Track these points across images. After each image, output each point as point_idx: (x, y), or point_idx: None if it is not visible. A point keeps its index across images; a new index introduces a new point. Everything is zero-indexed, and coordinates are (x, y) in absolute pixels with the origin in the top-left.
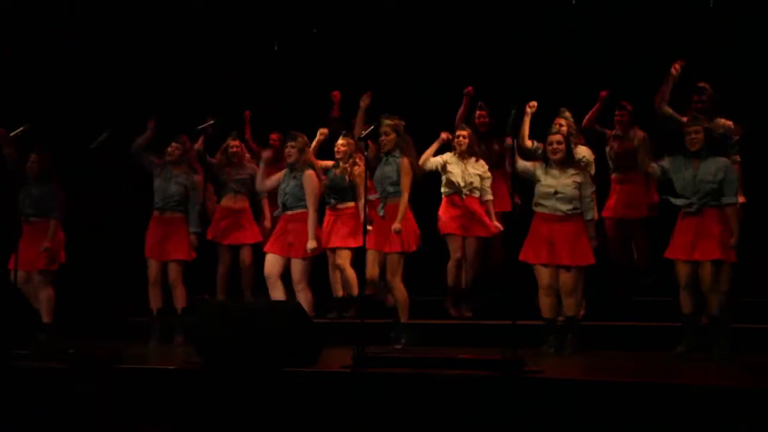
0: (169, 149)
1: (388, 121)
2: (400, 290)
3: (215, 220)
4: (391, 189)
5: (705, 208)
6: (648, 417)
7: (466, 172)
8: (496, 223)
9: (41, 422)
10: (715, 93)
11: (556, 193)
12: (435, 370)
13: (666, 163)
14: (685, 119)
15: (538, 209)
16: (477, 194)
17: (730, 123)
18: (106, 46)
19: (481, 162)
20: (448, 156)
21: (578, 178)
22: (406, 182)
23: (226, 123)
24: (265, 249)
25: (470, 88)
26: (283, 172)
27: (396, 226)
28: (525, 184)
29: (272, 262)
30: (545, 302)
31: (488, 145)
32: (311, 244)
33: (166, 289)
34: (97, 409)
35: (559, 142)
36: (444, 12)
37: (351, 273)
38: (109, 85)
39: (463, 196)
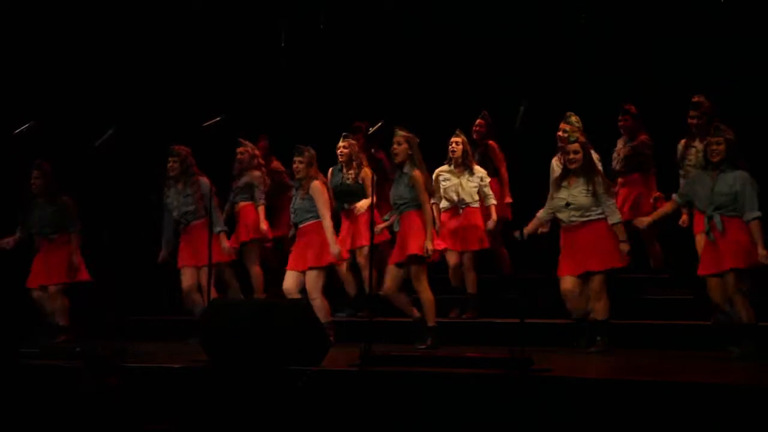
0: (168, 165)
1: (401, 132)
2: (425, 293)
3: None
4: (405, 207)
5: (724, 219)
6: (658, 415)
7: (461, 187)
8: (489, 223)
9: (48, 420)
10: (713, 104)
11: (567, 204)
12: (443, 369)
13: (685, 190)
14: None
15: (561, 224)
16: (476, 205)
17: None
18: (108, 44)
19: (477, 170)
20: (442, 169)
21: (589, 185)
22: (424, 196)
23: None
24: (288, 267)
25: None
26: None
27: (429, 246)
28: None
29: (292, 279)
30: (570, 306)
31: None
32: (335, 248)
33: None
34: (103, 407)
35: (575, 152)
36: (449, 7)
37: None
38: (113, 83)
39: (461, 210)
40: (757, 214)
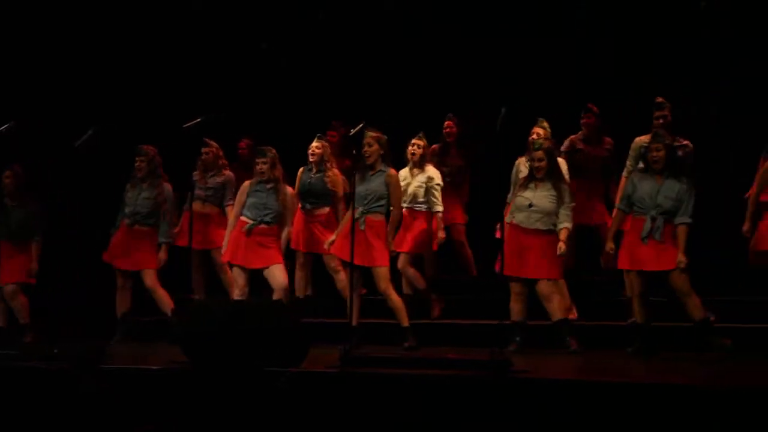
0: (136, 165)
1: (371, 133)
2: (394, 295)
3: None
4: (375, 204)
5: (662, 223)
6: (635, 417)
7: (409, 185)
8: (441, 234)
9: (26, 422)
10: (674, 107)
11: (530, 205)
12: (422, 370)
13: (626, 195)
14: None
15: (513, 220)
16: (423, 207)
17: (688, 142)
18: (90, 44)
19: (431, 171)
20: (402, 173)
21: (555, 191)
22: (397, 198)
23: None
24: (235, 262)
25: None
26: (247, 187)
27: (393, 249)
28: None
29: (245, 277)
30: (515, 307)
31: (453, 158)
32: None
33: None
34: (83, 408)
35: (540, 159)
36: (435, 8)
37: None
38: (94, 84)
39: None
40: (689, 220)
